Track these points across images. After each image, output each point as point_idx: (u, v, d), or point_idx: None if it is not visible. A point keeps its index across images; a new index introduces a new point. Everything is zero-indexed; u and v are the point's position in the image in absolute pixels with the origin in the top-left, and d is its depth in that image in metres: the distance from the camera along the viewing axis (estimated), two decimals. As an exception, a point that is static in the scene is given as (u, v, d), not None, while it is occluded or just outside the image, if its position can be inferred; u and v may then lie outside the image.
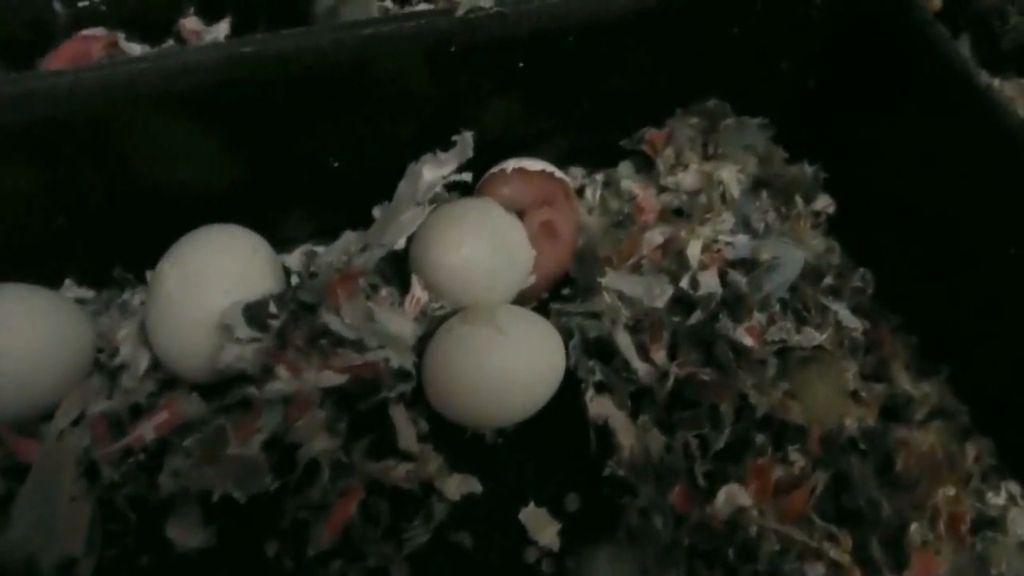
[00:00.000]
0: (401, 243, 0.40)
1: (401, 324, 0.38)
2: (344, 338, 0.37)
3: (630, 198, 0.47)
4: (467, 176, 0.42)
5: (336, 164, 0.41)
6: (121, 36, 0.36)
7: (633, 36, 0.43)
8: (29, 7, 0.36)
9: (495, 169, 0.44)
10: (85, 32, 0.36)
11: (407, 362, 0.38)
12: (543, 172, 0.44)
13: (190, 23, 0.38)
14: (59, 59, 0.35)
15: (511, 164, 0.43)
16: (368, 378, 0.38)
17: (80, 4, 0.36)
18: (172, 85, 0.34)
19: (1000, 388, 0.42)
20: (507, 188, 0.43)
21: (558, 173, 0.44)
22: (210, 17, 0.38)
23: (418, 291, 0.39)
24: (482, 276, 0.40)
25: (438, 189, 0.41)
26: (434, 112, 0.41)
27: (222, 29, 0.38)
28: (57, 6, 0.36)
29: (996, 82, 0.41)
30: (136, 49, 0.37)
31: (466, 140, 0.41)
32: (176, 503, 0.36)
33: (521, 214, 0.43)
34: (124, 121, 0.35)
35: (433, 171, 0.41)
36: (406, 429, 0.39)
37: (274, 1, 0.39)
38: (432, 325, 0.40)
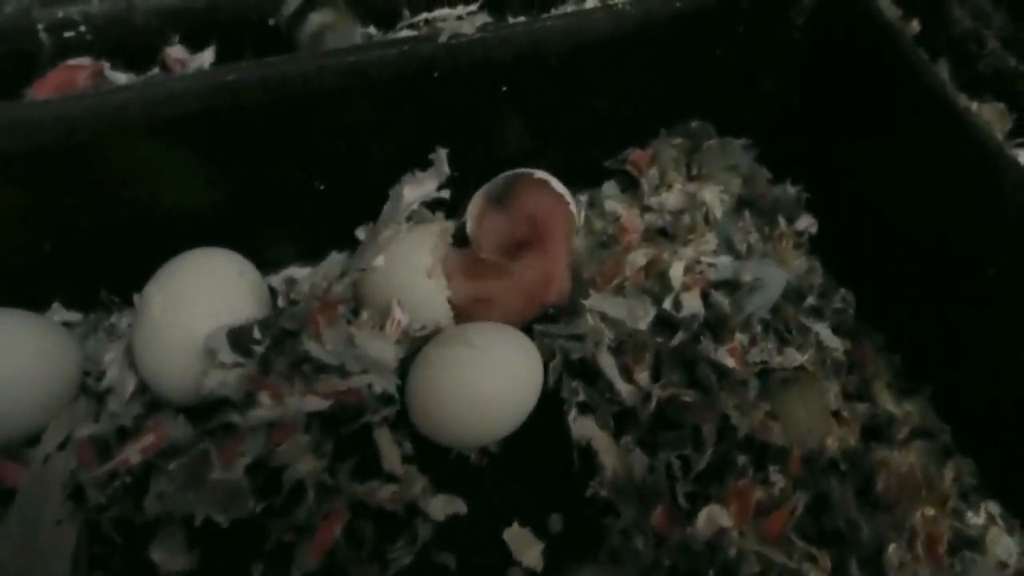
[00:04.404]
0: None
1: (382, 348, 0.38)
2: (326, 364, 0.37)
3: (614, 218, 0.47)
4: (445, 194, 0.42)
5: (321, 187, 0.41)
6: (106, 65, 0.37)
7: (616, 58, 0.43)
8: (15, 36, 0.36)
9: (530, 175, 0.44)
10: (71, 61, 0.36)
11: (390, 386, 0.38)
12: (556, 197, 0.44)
13: (175, 52, 0.38)
14: (45, 88, 0.36)
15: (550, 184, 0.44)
16: (352, 403, 0.38)
17: (66, 34, 0.36)
18: (158, 112, 0.35)
19: (982, 407, 0.43)
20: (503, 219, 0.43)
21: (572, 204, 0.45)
22: (195, 46, 0.39)
23: (398, 313, 0.39)
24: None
25: (415, 207, 0.42)
26: (418, 136, 0.41)
27: (207, 57, 0.38)
28: (43, 36, 0.36)
29: (974, 105, 0.41)
30: (121, 78, 0.37)
31: (441, 157, 0.41)
32: (161, 526, 0.36)
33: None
34: (111, 148, 0.35)
35: (413, 190, 0.42)
36: (390, 451, 0.39)
37: (258, 29, 0.40)
38: (414, 347, 0.40)
